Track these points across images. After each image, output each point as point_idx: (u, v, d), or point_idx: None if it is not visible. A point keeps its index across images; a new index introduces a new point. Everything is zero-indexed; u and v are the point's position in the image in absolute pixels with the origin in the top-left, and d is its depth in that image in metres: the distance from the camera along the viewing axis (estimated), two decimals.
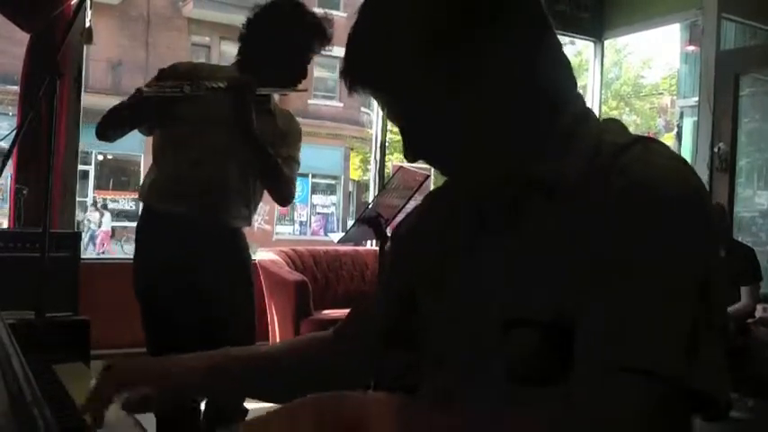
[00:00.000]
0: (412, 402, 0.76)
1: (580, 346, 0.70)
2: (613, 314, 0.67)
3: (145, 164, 18.51)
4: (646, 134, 0.79)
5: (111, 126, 2.20)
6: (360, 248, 5.15)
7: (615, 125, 0.82)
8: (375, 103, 0.93)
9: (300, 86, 2.34)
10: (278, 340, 4.26)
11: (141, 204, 2.33)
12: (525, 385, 0.76)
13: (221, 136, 2.20)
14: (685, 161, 0.75)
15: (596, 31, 5.66)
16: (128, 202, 19.37)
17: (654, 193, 0.69)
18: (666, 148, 0.77)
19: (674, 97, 18.18)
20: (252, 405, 2.36)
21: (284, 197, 2.35)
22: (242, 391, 1.08)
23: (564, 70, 0.83)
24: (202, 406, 2.29)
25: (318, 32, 2.27)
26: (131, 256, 2.37)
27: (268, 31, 2.25)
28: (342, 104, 20.30)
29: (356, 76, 0.80)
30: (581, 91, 0.87)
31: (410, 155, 0.83)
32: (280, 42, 2.23)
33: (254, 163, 2.24)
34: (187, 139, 2.20)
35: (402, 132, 0.83)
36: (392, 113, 0.83)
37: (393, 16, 0.78)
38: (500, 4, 0.75)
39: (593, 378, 0.67)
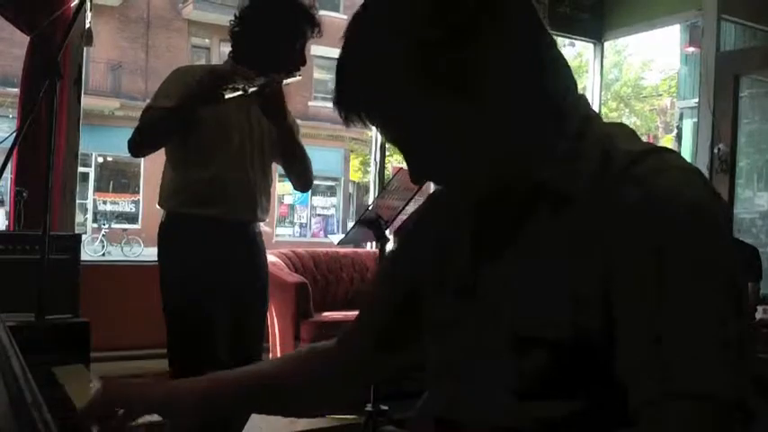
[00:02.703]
0: None
1: (627, 374, 0.68)
2: (658, 337, 0.66)
3: (145, 166, 18.52)
4: (645, 136, 0.79)
5: (157, 137, 2.24)
6: (360, 250, 5.15)
7: (624, 130, 0.81)
8: None
9: (298, 74, 2.36)
10: (278, 342, 4.26)
11: (164, 212, 2.36)
12: (532, 399, 0.75)
13: (242, 137, 2.29)
14: (699, 171, 0.73)
15: (596, 32, 5.65)
16: (128, 204, 19.37)
17: (670, 206, 0.68)
18: (680, 158, 0.76)
19: (674, 98, 18.20)
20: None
21: (308, 182, 2.48)
22: (245, 412, 1.07)
23: (564, 72, 0.82)
24: None
25: (308, 16, 2.33)
26: (132, 259, 2.39)
27: (259, 23, 2.29)
28: None
29: (350, 106, 0.79)
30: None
31: (416, 176, 0.82)
32: (272, 33, 2.27)
33: (287, 151, 2.34)
34: (209, 144, 2.25)
35: (405, 155, 0.82)
36: (392, 138, 0.82)
37: (380, 39, 0.76)
38: (490, 13, 0.74)
39: (653, 407, 0.65)
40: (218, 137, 2.25)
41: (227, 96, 2.10)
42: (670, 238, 0.67)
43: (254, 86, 2.14)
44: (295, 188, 2.54)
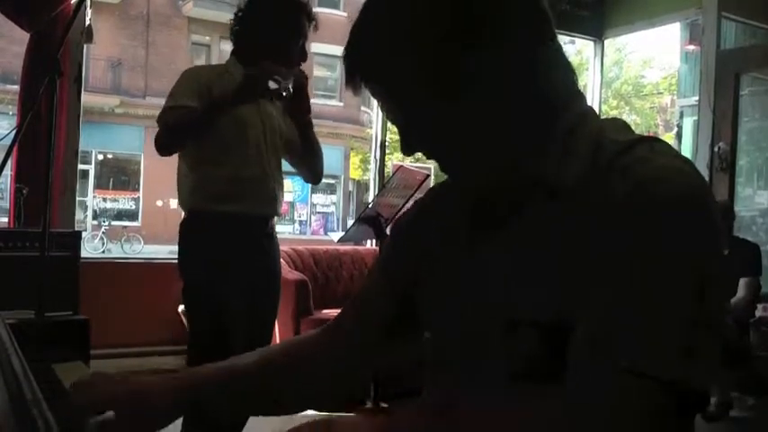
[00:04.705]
0: (405, 422, 0.77)
1: (574, 347, 0.70)
2: (609, 316, 0.67)
3: (145, 164, 18.54)
4: (646, 134, 0.79)
5: (191, 135, 2.26)
6: (360, 248, 5.15)
7: (617, 123, 0.82)
8: (375, 103, 0.93)
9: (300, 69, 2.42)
10: (278, 339, 4.26)
11: (184, 211, 2.40)
12: (526, 385, 0.76)
13: (257, 134, 2.34)
14: (688, 160, 0.74)
15: (597, 30, 5.66)
16: (128, 201, 19.39)
17: (654, 193, 0.69)
18: (669, 147, 0.76)
19: (674, 97, 18.20)
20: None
21: (321, 174, 2.58)
22: (230, 415, 1.01)
23: (564, 70, 0.83)
24: None
25: (304, 11, 2.37)
26: (132, 256, 2.39)
27: (259, 21, 2.33)
28: (342, 104, 20.32)
29: (357, 72, 0.80)
30: (581, 90, 0.87)
31: (407, 150, 0.83)
32: (272, 30, 2.32)
33: (306, 145, 2.41)
34: (227, 142, 2.29)
35: (400, 129, 0.83)
36: (391, 112, 0.83)
37: (394, 17, 0.77)
38: (499, 5, 0.75)
39: (589, 380, 0.67)
40: (235, 135, 2.29)
41: (271, 89, 2.21)
42: (647, 227, 0.68)
43: (289, 85, 2.24)
44: (306, 181, 2.62)
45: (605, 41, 5.82)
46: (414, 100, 0.77)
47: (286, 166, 2.52)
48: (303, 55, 2.38)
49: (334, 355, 1.00)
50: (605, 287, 0.68)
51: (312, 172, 2.54)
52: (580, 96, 0.84)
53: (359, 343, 1.00)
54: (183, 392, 0.91)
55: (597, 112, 0.86)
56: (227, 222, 2.29)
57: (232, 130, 2.28)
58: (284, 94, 2.24)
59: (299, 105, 2.32)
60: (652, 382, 0.64)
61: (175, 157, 2.37)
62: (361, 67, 0.80)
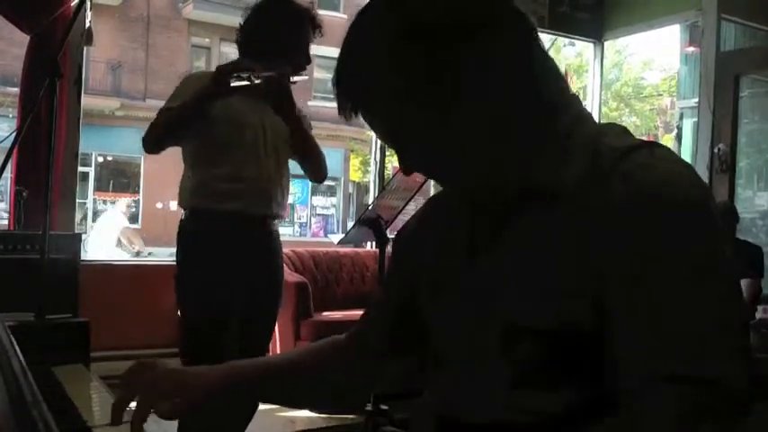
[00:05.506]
0: None
1: (622, 361, 0.69)
2: (654, 327, 0.67)
3: (145, 166, 18.53)
4: (646, 135, 0.79)
5: (170, 132, 2.30)
6: (360, 250, 5.15)
7: (615, 128, 0.82)
8: None
9: (304, 73, 2.46)
10: (278, 341, 4.26)
11: (183, 210, 2.44)
12: (526, 390, 0.76)
13: (255, 135, 2.38)
14: (689, 165, 0.75)
15: (596, 32, 5.65)
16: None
17: (656, 198, 0.69)
18: (670, 151, 0.77)
19: (674, 98, 18.18)
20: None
21: (323, 174, 2.58)
22: (262, 400, 1.08)
23: (555, 74, 0.83)
24: None
25: (309, 19, 2.43)
26: (131, 258, 2.39)
27: (264, 29, 2.39)
28: None
29: (348, 102, 0.81)
30: (579, 93, 0.87)
31: (406, 169, 0.83)
32: (278, 37, 2.37)
33: (299, 146, 2.43)
34: (224, 143, 2.33)
35: (396, 150, 0.83)
36: (386, 135, 0.83)
37: (376, 44, 0.77)
38: (488, 17, 0.75)
39: (646, 392, 0.66)
40: (232, 135, 2.33)
41: (232, 85, 2.20)
42: (659, 232, 0.68)
43: (258, 78, 2.22)
44: (310, 179, 2.66)
45: (605, 43, 5.81)
46: (407, 118, 0.77)
47: (293, 169, 2.55)
48: (307, 58, 2.43)
49: (359, 365, 1.02)
50: (631, 301, 0.68)
51: (312, 170, 2.56)
52: (575, 99, 0.85)
53: (378, 353, 1.01)
54: (233, 376, 0.97)
55: (597, 113, 0.87)
56: (224, 221, 2.32)
57: (230, 131, 2.33)
58: (249, 83, 2.22)
59: (282, 108, 2.32)
60: (716, 386, 0.64)
61: (177, 159, 2.42)
62: (352, 95, 0.80)
